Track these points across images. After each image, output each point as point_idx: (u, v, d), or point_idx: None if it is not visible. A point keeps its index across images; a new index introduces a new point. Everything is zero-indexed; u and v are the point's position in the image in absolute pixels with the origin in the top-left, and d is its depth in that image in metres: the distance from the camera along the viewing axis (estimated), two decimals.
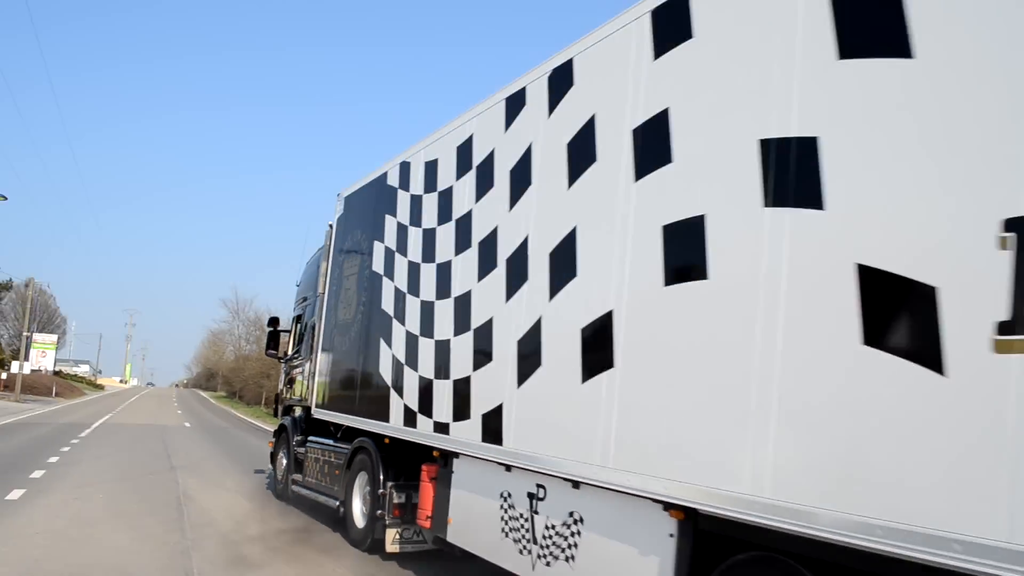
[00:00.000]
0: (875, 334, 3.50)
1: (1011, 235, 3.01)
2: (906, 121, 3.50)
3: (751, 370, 4.06)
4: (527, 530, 6.08)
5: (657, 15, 5.12)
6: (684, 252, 4.66)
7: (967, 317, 3.14)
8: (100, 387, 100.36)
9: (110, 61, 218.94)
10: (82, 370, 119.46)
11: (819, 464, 3.69)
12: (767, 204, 4.11)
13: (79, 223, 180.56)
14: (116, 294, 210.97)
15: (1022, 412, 2.92)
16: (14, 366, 54.11)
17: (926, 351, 3.27)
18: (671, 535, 4.63)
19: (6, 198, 32.27)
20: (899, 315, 3.46)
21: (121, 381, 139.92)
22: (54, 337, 73.59)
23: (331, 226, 11.58)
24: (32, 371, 60.34)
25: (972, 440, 3.09)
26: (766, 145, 4.16)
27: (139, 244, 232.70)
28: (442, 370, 7.44)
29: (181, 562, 8.57)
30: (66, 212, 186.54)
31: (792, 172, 3.99)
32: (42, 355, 68.34)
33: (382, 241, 9.32)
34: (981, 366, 3.07)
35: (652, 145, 5.00)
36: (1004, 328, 2.99)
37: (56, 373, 74.79)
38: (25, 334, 57.27)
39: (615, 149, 5.36)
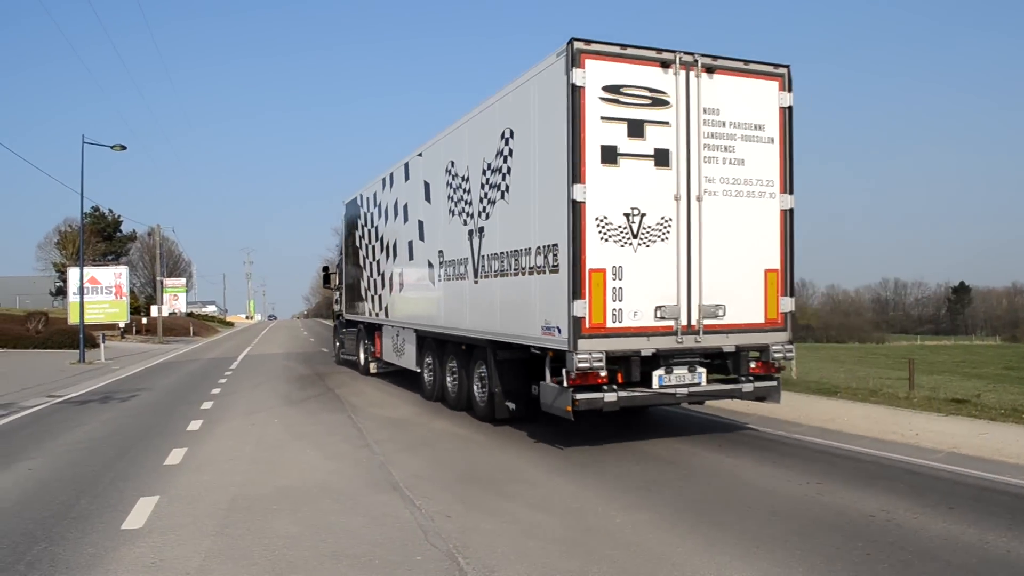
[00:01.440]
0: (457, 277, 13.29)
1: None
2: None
3: (441, 293, 13.94)
4: (397, 347, 17.28)
5: (406, 165, 16.03)
6: (431, 250, 14.47)
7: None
8: (230, 324, 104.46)
9: (211, 11, 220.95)
10: (209, 310, 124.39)
11: (472, 319, 12.32)
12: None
13: (189, 166, 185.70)
14: (232, 233, 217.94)
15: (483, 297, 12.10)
16: (152, 311, 56.42)
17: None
18: (416, 337, 15.61)
19: (124, 147, 32.64)
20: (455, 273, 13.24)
21: (247, 317, 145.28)
22: (183, 280, 76.49)
23: (345, 211, 23.12)
24: (169, 314, 62.91)
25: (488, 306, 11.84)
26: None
27: (249, 179, 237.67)
28: (381, 295, 18.44)
29: (383, 475, 8.35)
30: (176, 157, 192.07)
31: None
32: (174, 298, 71.12)
33: (357, 228, 21.27)
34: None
35: (417, 205, 15.39)
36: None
37: (188, 314, 78.04)
38: (158, 279, 59.49)
39: (415, 204, 15.52)
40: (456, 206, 12.92)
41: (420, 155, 14.98)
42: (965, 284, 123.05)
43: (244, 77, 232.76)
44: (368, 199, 19.68)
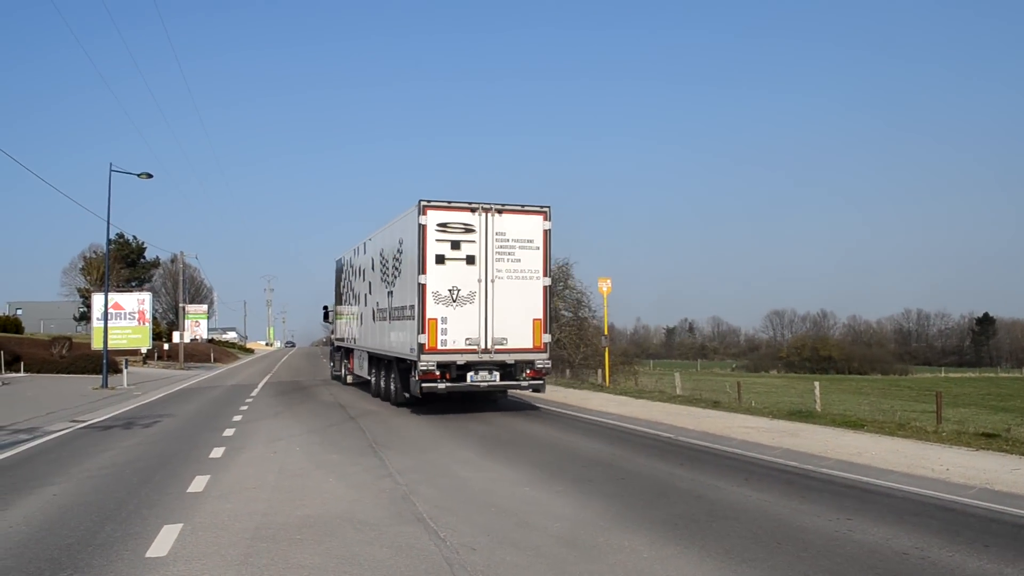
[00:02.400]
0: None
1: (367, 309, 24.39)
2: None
3: (377, 329, 22.08)
4: (360, 365, 25.59)
5: (364, 243, 24.30)
6: (373, 301, 22.50)
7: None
8: (250, 351, 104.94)
9: (237, 46, 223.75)
10: (230, 336, 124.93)
11: (388, 344, 20.76)
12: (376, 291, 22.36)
13: (213, 196, 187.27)
14: (254, 260, 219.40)
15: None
16: (174, 337, 56.74)
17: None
18: (368, 356, 23.92)
19: (151, 176, 33.00)
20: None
21: (267, 344, 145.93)
22: (204, 307, 76.74)
23: (336, 265, 30.83)
24: (191, 340, 63.19)
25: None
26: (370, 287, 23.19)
27: (269, 210, 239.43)
28: (352, 328, 26.39)
29: (407, 507, 8.29)
30: (201, 186, 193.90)
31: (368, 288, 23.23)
32: (196, 325, 71.27)
33: (341, 280, 29.50)
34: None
35: (367, 271, 23.48)
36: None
37: (209, 341, 78.34)
38: (181, 305, 59.85)
39: (367, 271, 23.53)
40: (382, 276, 21.23)
41: (370, 239, 23.27)
42: (989, 315, 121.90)
43: (270, 111, 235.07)
44: (348, 260, 27.98)
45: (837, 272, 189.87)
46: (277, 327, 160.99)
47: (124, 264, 71.95)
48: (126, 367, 32.16)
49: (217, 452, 12.37)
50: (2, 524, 7.75)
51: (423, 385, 17.17)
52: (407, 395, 19.00)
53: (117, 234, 69.08)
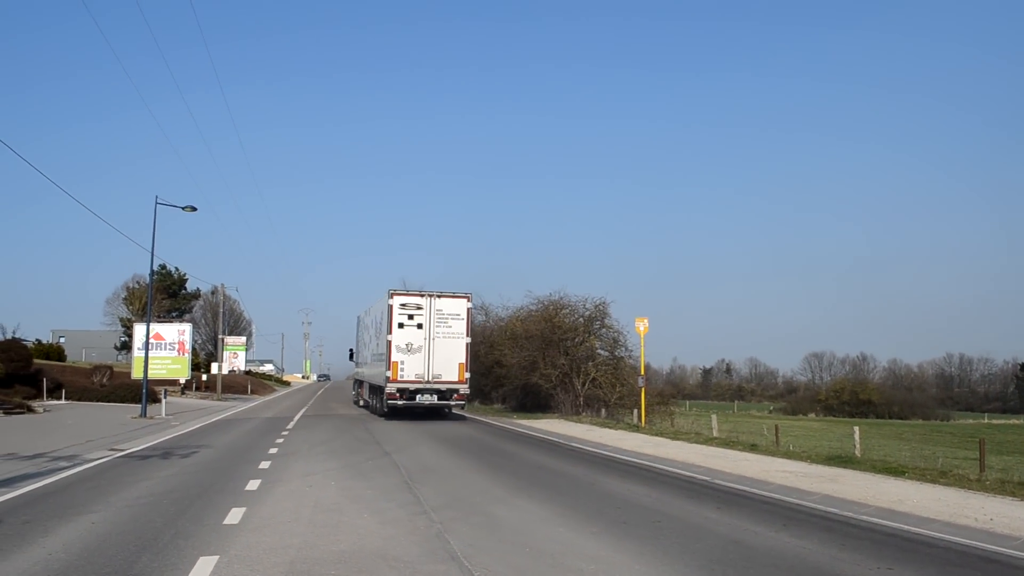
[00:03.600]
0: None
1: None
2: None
3: (372, 367, 34.69)
4: (365, 392, 37.68)
5: (368, 309, 37.58)
6: (372, 349, 34.53)
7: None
8: (287, 383, 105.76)
9: (281, 73, 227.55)
10: (267, 368, 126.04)
11: (376, 376, 32.83)
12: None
13: (254, 225, 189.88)
14: (293, 292, 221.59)
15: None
16: (212, 368, 57.37)
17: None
18: (368, 385, 36.30)
19: (195, 208, 33.65)
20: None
21: (303, 377, 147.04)
22: (243, 339, 77.63)
23: (356, 320, 42.74)
24: (228, 372, 63.86)
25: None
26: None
27: (311, 240, 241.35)
28: (362, 366, 39.03)
29: (441, 544, 8.28)
30: (242, 216, 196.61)
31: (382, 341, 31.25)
32: (234, 356, 72.10)
33: (358, 331, 41.81)
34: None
35: (370, 328, 35.44)
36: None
37: (247, 372, 79.10)
38: (220, 337, 60.55)
39: (370, 328, 35.34)
40: (375, 333, 32.17)
41: (370, 308, 35.38)
42: None
43: (312, 140, 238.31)
44: (361, 318, 40.40)
45: (877, 314, 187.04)
46: (314, 359, 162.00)
47: (166, 295, 73.14)
48: (165, 397, 32.56)
49: (253, 484, 12.45)
50: (42, 551, 7.86)
51: (388, 402, 28.92)
52: (385, 410, 29.58)
53: (160, 265, 70.40)
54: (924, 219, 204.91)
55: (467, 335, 29.02)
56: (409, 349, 28.45)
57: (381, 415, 30.31)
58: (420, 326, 28.55)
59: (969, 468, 16.28)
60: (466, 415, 34.01)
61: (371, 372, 33.45)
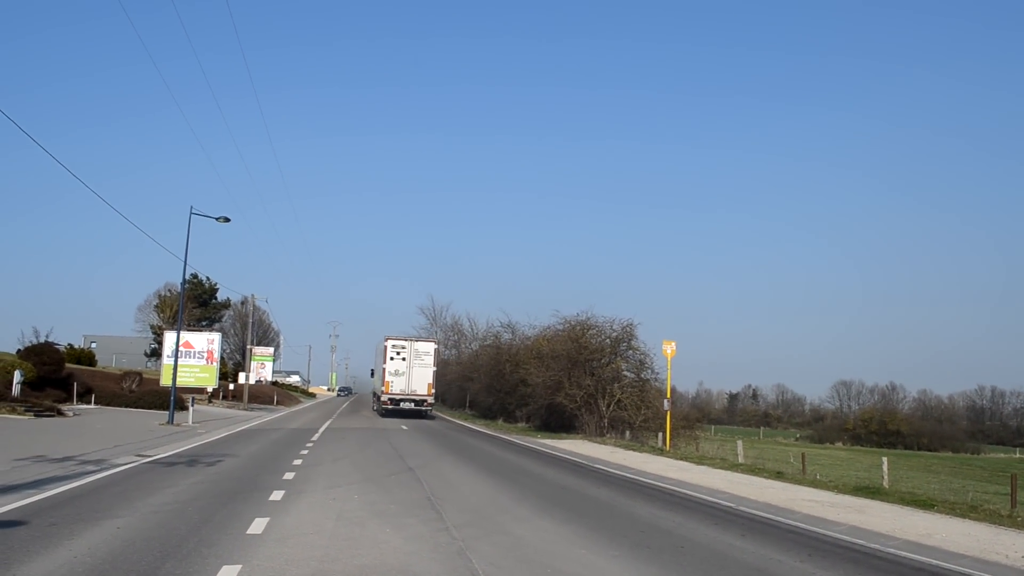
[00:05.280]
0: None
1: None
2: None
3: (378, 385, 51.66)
4: (376, 402, 53.94)
5: (376, 346, 55.52)
6: (380, 373, 50.13)
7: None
8: (312, 395, 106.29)
9: (313, 82, 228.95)
10: (293, 380, 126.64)
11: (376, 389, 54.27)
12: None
13: (285, 237, 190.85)
14: (321, 303, 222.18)
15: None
16: (240, 377, 57.81)
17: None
18: (382, 397, 48.74)
19: (229, 220, 34.06)
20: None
21: (329, 389, 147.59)
22: (271, 350, 78.13)
23: (375, 347, 56.54)
24: (256, 382, 64.29)
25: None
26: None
27: (341, 253, 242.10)
28: (377, 383, 52.40)
29: (463, 563, 8.26)
30: (275, 231, 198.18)
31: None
32: (261, 367, 72.54)
33: (375, 356, 54.86)
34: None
35: (381, 359, 49.31)
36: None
37: (273, 383, 79.57)
38: (248, 347, 61.01)
39: (381, 358, 49.51)
40: (379, 363, 49.51)
41: (377, 344, 51.84)
42: None
43: (343, 152, 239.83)
44: (377, 346, 51.41)
45: (908, 344, 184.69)
46: (340, 372, 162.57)
47: (196, 304, 73.78)
48: (192, 405, 32.83)
49: (277, 495, 12.51)
50: (68, 554, 7.93)
51: (383, 407, 46.30)
52: (384, 411, 46.56)
53: (191, 274, 71.10)
54: (958, 252, 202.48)
55: (434, 365, 46.89)
56: (396, 373, 45.91)
57: (382, 414, 47.32)
58: (404, 359, 46.11)
59: (1000, 503, 16.00)
60: (489, 432, 34.01)
61: (376, 386, 52.17)
